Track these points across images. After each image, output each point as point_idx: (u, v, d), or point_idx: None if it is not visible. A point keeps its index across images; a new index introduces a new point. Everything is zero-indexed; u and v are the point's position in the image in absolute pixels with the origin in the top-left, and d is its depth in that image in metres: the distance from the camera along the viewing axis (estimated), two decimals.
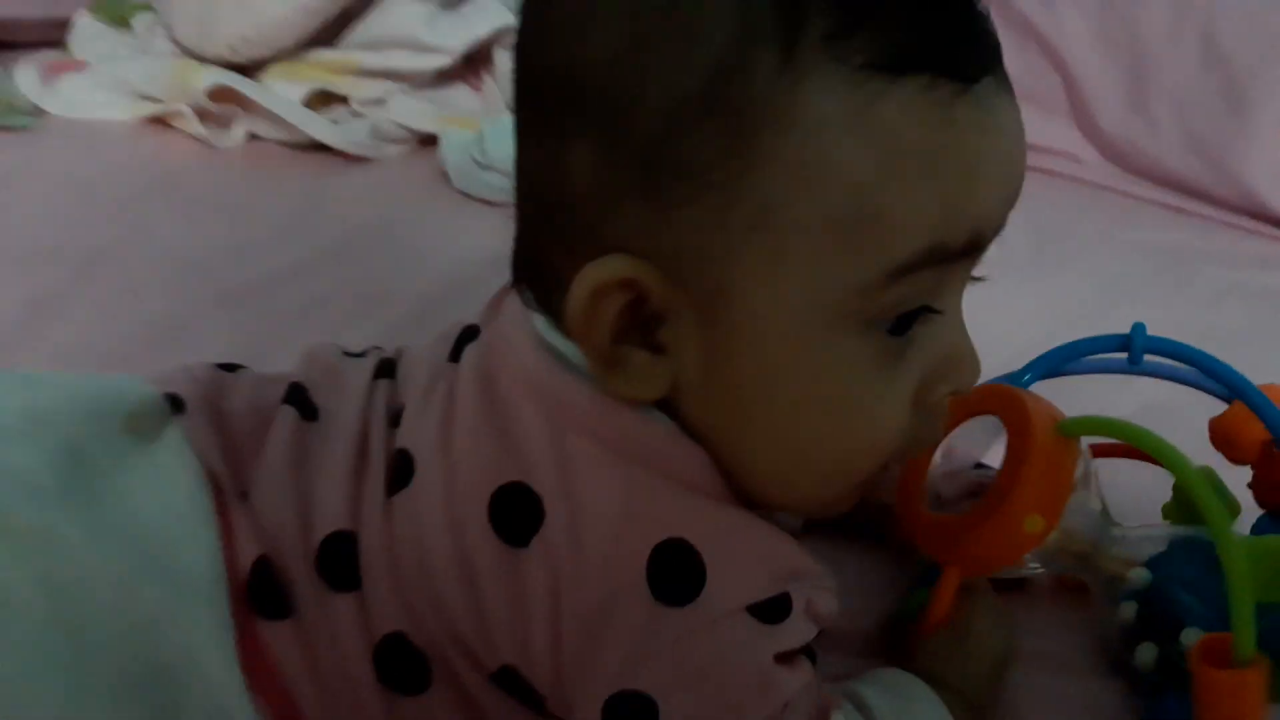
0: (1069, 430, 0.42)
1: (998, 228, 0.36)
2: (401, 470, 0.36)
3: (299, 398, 0.40)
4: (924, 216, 0.33)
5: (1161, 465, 0.41)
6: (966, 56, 0.33)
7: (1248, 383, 0.47)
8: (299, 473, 0.37)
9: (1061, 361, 0.50)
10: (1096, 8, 1.38)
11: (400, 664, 0.35)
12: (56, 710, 0.30)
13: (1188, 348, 0.49)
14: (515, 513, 0.34)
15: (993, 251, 0.36)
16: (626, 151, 0.32)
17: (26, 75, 1.01)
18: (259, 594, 0.35)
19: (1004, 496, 0.41)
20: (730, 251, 0.32)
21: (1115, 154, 1.39)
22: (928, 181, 0.32)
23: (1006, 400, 0.43)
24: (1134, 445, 0.41)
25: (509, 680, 0.35)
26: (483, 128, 0.99)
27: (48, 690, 0.30)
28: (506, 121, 0.89)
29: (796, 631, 0.35)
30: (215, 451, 0.37)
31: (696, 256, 0.32)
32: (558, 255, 0.35)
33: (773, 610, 0.34)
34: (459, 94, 1.12)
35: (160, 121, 1.00)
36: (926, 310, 0.35)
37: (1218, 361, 0.48)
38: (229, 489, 0.36)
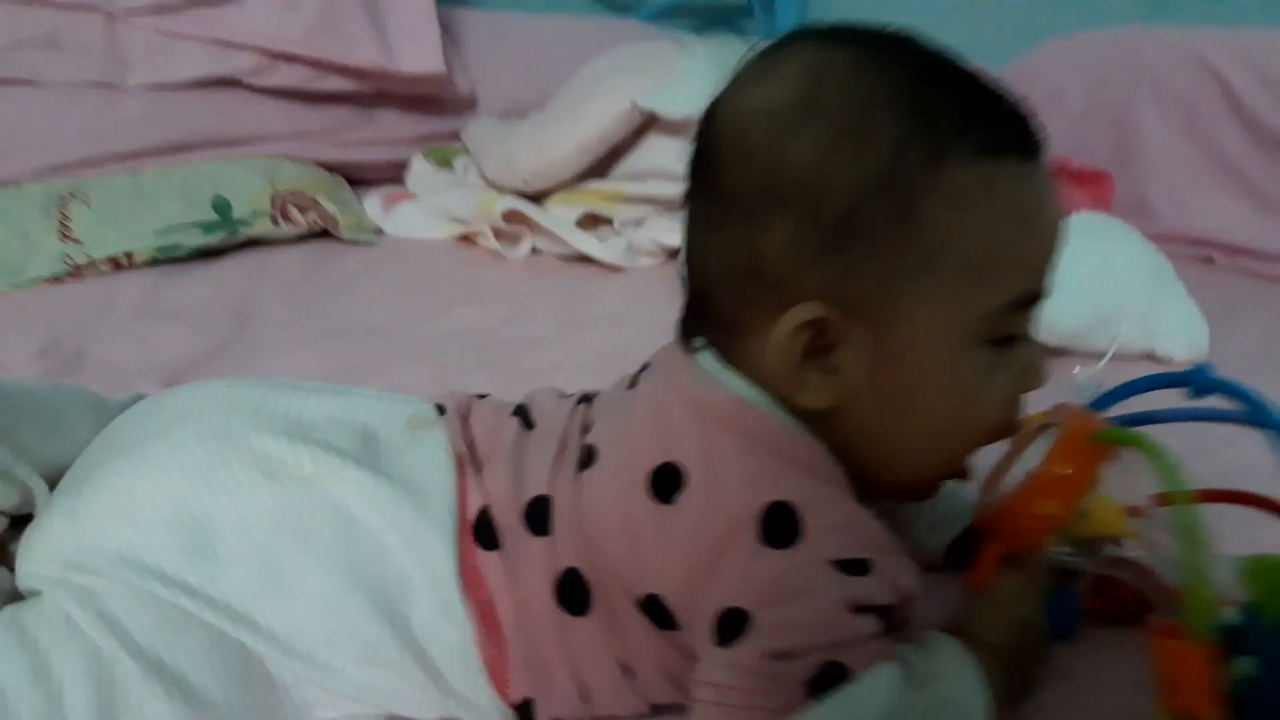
0: (1098, 438, 0.49)
1: (1050, 276, 0.48)
2: (588, 457, 0.50)
3: (523, 414, 0.56)
4: (1021, 262, 0.46)
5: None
6: (1031, 140, 0.46)
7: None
8: (518, 459, 0.52)
9: (1127, 393, 0.56)
10: None
11: (572, 591, 0.48)
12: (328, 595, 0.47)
13: (1238, 387, 0.52)
14: (665, 481, 0.46)
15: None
16: (820, 226, 0.44)
17: (372, 204, 1.31)
18: (480, 531, 0.49)
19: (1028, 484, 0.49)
20: (899, 292, 0.45)
21: None
22: (1023, 234, 0.45)
23: (1063, 414, 0.51)
24: (1146, 455, 0.47)
25: (653, 606, 0.47)
26: None
27: (324, 582, 0.47)
28: None
29: (873, 591, 0.44)
30: (462, 442, 0.52)
31: (873, 297, 0.45)
32: (747, 308, 0.47)
33: (854, 568, 0.44)
34: None
35: (468, 239, 1.26)
36: (1013, 338, 0.47)
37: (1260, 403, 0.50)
38: (468, 465, 0.51)
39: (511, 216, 1.22)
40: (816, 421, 0.47)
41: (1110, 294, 0.99)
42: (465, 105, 1.42)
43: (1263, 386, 0.63)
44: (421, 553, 0.48)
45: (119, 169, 1.18)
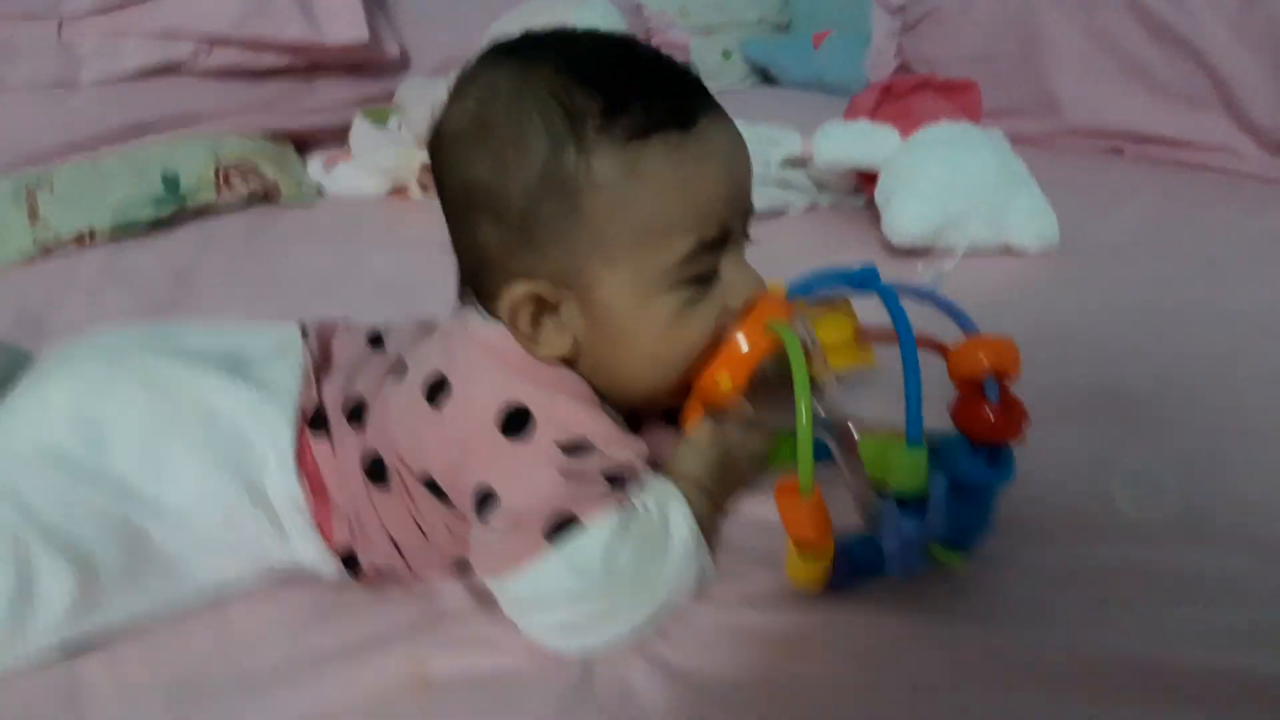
0: (770, 325, 0.58)
1: (741, 214, 0.59)
2: (398, 370, 0.62)
3: (377, 337, 0.69)
4: (689, 222, 0.56)
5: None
6: (683, 111, 0.55)
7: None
8: (354, 372, 0.65)
9: (818, 284, 0.66)
10: (1234, 5, 1.40)
11: (377, 470, 0.61)
12: (198, 473, 0.60)
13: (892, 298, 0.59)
14: (436, 390, 0.58)
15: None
16: (509, 224, 0.56)
17: (315, 166, 1.44)
18: (314, 422, 0.62)
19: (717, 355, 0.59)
20: (584, 265, 0.56)
21: (1273, 145, 1.39)
22: (682, 198, 0.55)
23: (762, 295, 0.60)
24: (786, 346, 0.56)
25: (432, 485, 0.59)
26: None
27: (194, 462, 0.60)
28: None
29: (590, 464, 0.56)
30: (313, 358, 0.65)
31: (567, 272, 0.56)
32: (486, 284, 0.59)
33: (575, 449, 0.56)
34: None
35: (399, 192, 1.38)
36: (713, 271, 0.58)
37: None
38: (314, 375, 0.64)
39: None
40: (565, 364, 0.59)
41: (958, 197, 1.07)
42: (399, 66, 1.53)
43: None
44: (270, 436, 0.61)
45: (79, 157, 1.31)
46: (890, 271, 1.05)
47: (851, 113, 1.22)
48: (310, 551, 0.62)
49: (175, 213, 1.28)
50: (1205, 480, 0.70)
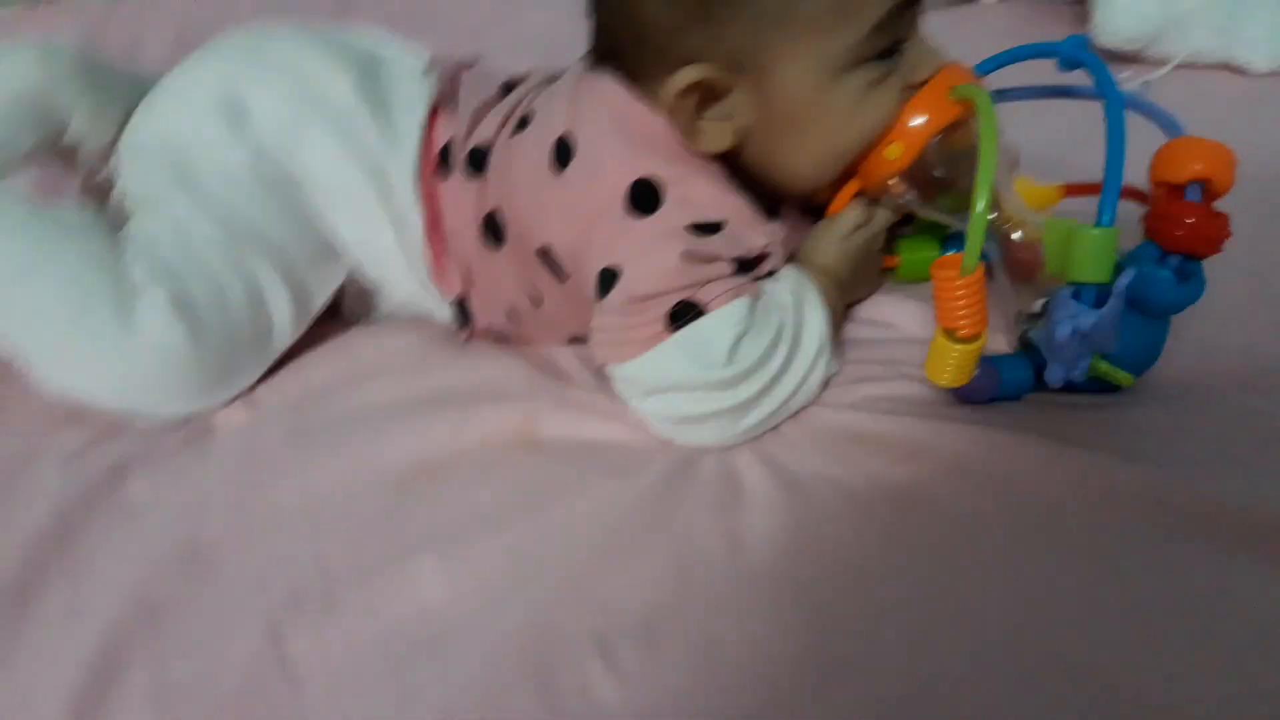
0: (955, 92, 0.52)
1: None
2: (522, 124, 0.58)
3: (509, 84, 0.64)
4: None
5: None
6: None
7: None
8: (479, 114, 0.61)
9: (1010, 60, 0.58)
10: None
11: (492, 227, 0.58)
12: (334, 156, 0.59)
13: (1095, 60, 0.53)
14: (563, 153, 0.54)
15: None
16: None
17: None
18: (441, 158, 0.60)
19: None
20: (766, 42, 0.50)
21: None
22: None
23: (940, 70, 0.54)
24: (978, 107, 0.50)
25: (547, 257, 0.56)
26: None
27: (332, 144, 0.59)
28: None
29: (720, 247, 0.53)
30: (445, 92, 0.62)
31: (745, 51, 0.50)
32: (641, 65, 0.53)
33: (706, 229, 0.52)
34: None
35: None
36: (898, 43, 0.52)
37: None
38: (444, 108, 0.62)
39: None
40: (724, 158, 0.54)
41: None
42: None
43: None
44: (397, 155, 0.60)
45: None
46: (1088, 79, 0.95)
47: None
48: (422, 292, 0.62)
49: None
50: None
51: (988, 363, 0.53)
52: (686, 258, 0.52)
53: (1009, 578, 0.44)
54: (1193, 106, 0.90)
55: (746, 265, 0.54)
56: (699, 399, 0.52)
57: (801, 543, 0.47)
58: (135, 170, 0.60)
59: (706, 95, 0.52)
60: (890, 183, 0.55)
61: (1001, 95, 0.61)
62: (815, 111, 0.52)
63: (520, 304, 0.61)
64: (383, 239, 0.60)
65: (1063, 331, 0.48)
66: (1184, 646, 0.40)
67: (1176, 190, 0.52)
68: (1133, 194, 0.54)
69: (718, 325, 0.51)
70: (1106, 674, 0.39)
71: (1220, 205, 0.51)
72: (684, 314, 0.52)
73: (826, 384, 0.57)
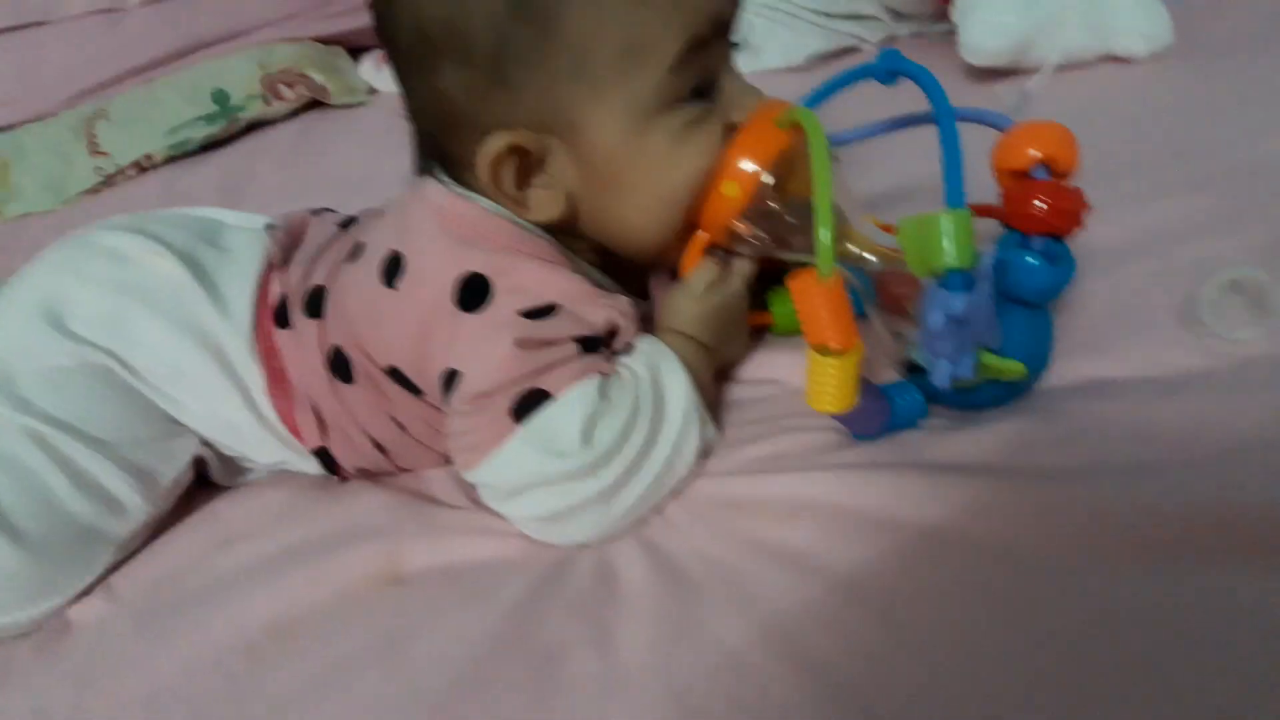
0: (779, 122, 0.50)
1: (730, 14, 0.50)
2: (355, 253, 0.56)
3: (350, 222, 0.63)
4: (674, 22, 0.47)
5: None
6: None
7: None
8: (316, 258, 0.60)
9: (833, 89, 0.55)
10: None
11: (339, 364, 0.56)
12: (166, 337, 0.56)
13: (922, 74, 0.49)
14: (391, 269, 0.52)
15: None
16: (476, 64, 0.48)
17: (366, 67, 1.39)
18: (278, 314, 0.58)
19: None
20: (567, 98, 0.48)
21: None
22: (666, 5, 0.47)
23: (765, 105, 0.52)
24: (801, 128, 0.48)
25: (397, 375, 0.54)
26: None
27: (161, 327, 0.57)
28: None
29: (558, 329, 0.50)
30: (281, 248, 0.61)
31: (549, 112, 0.49)
32: (454, 146, 0.52)
33: (539, 314, 0.49)
34: None
35: None
36: (708, 81, 0.50)
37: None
38: (282, 259, 0.60)
39: None
40: (565, 226, 0.53)
41: (1041, 3, 0.92)
42: None
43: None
44: (230, 320, 0.58)
45: (133, 83, 1.31)
46: (973, 98, 0.94)
47: None
48: (279, 448, 0.59)
49: (227, 128, 1.26)
50: None
51: (874, 390, 0.49)
52: (521, 345, 0.48)
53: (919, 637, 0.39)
54: (1075, 103, 0.89)
55: (592, 344, 0.51)
56: (561, 492, 0.48)
57: (677, 641, 0.42)
58: None
59: (525, 164, 0.50)
60: (736, 225, 0.52)
61: (839, 140, 0.60)
62: (633, 161, 0.50)
63: (385, 434, 0.57)
64: (228, 405, 0.58)
65: (935, 320, 0.44)
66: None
67: (1023, 175, 0.51)
68: (988, 210, 0.51)
69: (565, 410, 0.48)
70: None
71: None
72: (529, 404, 0.48)
73: (707, 452, 0.53)
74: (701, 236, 0.54)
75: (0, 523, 0.52)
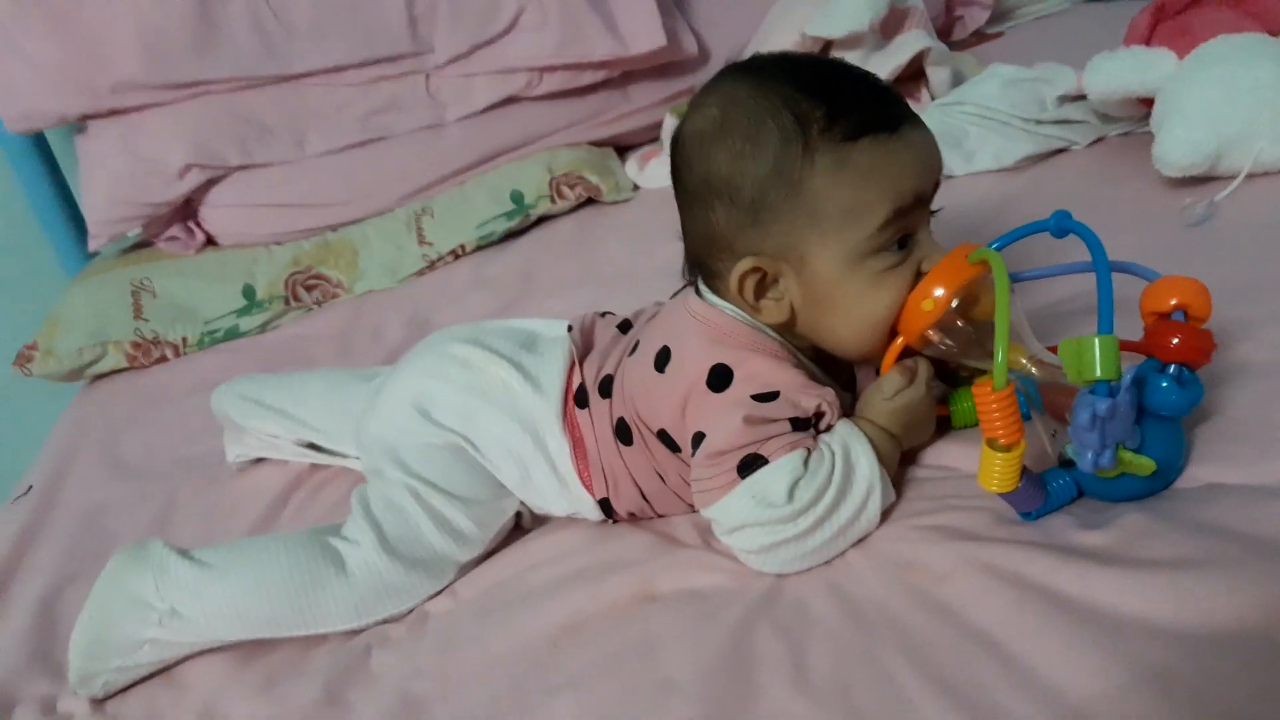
0: (972, 257, 0.66)
1: (929, 190, 0.70)
2: (634, 349, 0.78)
3: (625, 324, 0.86)
4: (886, 197, 0.67)
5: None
6: (891, 117, 0.67)
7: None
8: (605, 353, 0.82)
9: (1015, 237, 0.72)
10: None
11: (622, 430, 0.77)
12: (501, 428, 0.81)
13: (1086, 233, 0.64)
14: (662, 359, 0.73)
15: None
16: (740, 207, 0.69)
17: (631, 166, 1.64)
18: (578, 397, 0.80)
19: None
20: (801, 240, 0.68)
21: None
22: (882, 181, 0.67)
23: (960, 246, 0.68)
24: (988, 265, 0.64)
25: (664, 437, 0.74)
26: None
27: (497, 420, 0.81)
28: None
29: (777, 409, 0.68)
30: (578, 346, 0.83)
31: (786, 245, 0.69)
32: (714, 262, 0.73)
33: (765, 398, 0.68)
34: None
35: None
36: (907, 237, 0.68)
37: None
38: (580, 358, 0.82)
39: None
40: (787, 328, 0.72)
41: (1235, 117, 1.00)
42: (699, 62, 1.68)
43: None
44: (545, 406, 0.81)
45: (450, 185, 1.62)
46: (1162, 203, 1.04)
47: (1130, 37, 1.16)
48: (575, 499, 0.80)
49: (521, 222, 1.55)
50: None
51: (1034, 477, 0.64)
52: (748, 420, 0.67)
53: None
54: (1267, 213, 0.97)
55: (803, 424, 0.69)
56: (768, 531, 0.66)
57: (851, 657, 0.59)
58: (366, 455, 0.87)
59: (763, 281, 0.69)
60: (930, 334, 0.68)
61: (1020, 277, 0.74)
62: (842, 290, 0.69)
63: (651, 486, 0.78)
64: (540, 472, 0.81)
65: (1082, 417, 0.59)
66: None
67: (1165, 317, 0.64)
68: (1133, 346, 0.65)
69: (776, 472, 0.66)
70: None
71: None
72: (750, 465, 0.67)
73: (886, 515, 0.69)
74: (899, 343, 0.71)
75: (386, 547, 0.77)
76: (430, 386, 0.85)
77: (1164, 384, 0.61)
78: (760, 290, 0.70)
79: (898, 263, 0.68)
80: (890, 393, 0.71)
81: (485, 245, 1.55)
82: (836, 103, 0.66)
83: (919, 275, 0.69)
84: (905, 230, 0.68)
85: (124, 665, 0.76)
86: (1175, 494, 0.64)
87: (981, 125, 1.27)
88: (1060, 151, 1.27)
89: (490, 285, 1.42)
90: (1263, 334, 0.75)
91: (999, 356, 0.60)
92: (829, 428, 0.71)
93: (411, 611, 0.79)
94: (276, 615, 0.75)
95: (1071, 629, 0.55)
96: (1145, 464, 0.62)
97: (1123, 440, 0.60)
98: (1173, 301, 0.63)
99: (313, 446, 1.03)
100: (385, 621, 0.78)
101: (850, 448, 0.69)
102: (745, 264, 0.68)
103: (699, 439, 0.70)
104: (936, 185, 0.71)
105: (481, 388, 0.83)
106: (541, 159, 1.60)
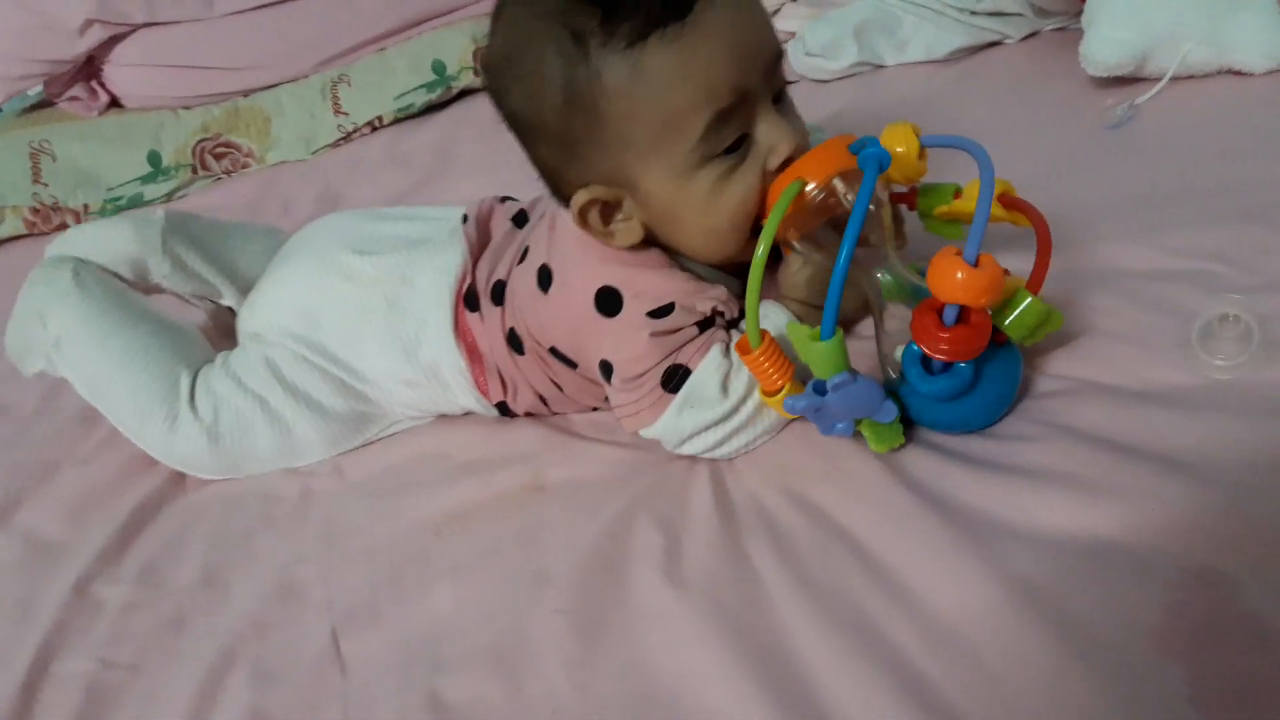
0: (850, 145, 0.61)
1: (761, 74, 0.63)
2: (523, 257, 0.75)
3: (519, 217, 0.82)
4: (700, 100, 0.60)
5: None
6: (676, 3, 0.58)
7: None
8: (497, 253, 0.78)
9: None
10: None
11: (514, 339, 0.75)
12: (381, 349, 0.79)
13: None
14: (544, 278, 0.71)
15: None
16: (554, 143, 0.64)
17: None
18: (468, 298, 0.77)
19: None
20: (621, 165, 0.64)
21: None
22: (688, 83, 0.60)
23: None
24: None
25: (556, 353, 0.72)
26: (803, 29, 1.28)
27: (378, 343, 0.79)
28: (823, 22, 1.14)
29: (677, 319, 0.66)
30: (471, 243, 0.80)
31: (612, 173, 0.64)
32: (558, 193, 0.68)
33: (660, 312, 0.66)
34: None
35: None
36: (744, 136, 0.63)
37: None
38: (473, 255, 0.79)
39: None
40: (647, 244, 0.68)
41: (1162, 17, 0.99)
42: None
43: None
44: (435, 316, 0.78)
45: (369, 51, 1.55)
46: (1086, 103, 1.02)
47: None
48: (472, 403, 0.79)
49: (443, 95, 1.49)
50: None
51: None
52: (654, 336, 0.66)
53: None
54: (1188, 117, 0.96)
55: (706, 323, 0.68)
56: (716, 431, 0.66)
57: (722, 552, 0.60)
58: (242, 348, 0.84)
59: (606, 207, 0.66)
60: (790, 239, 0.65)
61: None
62: (682, 205, 0.64)
63: (548, 391, 0.77)
64: (431, 389, 0.79)
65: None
66: None
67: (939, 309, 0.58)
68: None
69: (703, 375, 0.65)
70: None
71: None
72: (674, 375, 0.66)
73: None
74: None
75: (213, 437, 0.79)
76: (315, 303, 0.81)
77: (918, 370, 0.61)
78: (606, 217, 0.66)
79: (737, 164, 0.63)
80: (797, 263, 0.70)
81: (404, 118, 1.49)
82: (611, 3, 0.58)
83: (766, 175, 0.63)
84: (739, 131, 0.62)
85: (50, 363, 0.83)
86: (1055, 394, 0.64)
87: (916, 14, 1.24)
88: (994, 45, 1.24)
89: (406, 161, 1.37)
90: (1161, 240, 0.76)
91: (750, 303, 0.59)
92: (733, 322, 0.70)
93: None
94: (118, 413, 0.82)
95: (937, 534, 0.56)
96: (890, 439, 0.62)
97: (859, 417, 0.61)
98: (955, 295, 0.56)
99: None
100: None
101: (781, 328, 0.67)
102: (580, 197, 0.64)
103: (607, 366, 0.68)
104: (773, 61, 0.64)
105: (368, 307, 0.79)
106: (467, 28, 1.53)
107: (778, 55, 0.65)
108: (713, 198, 0.64)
